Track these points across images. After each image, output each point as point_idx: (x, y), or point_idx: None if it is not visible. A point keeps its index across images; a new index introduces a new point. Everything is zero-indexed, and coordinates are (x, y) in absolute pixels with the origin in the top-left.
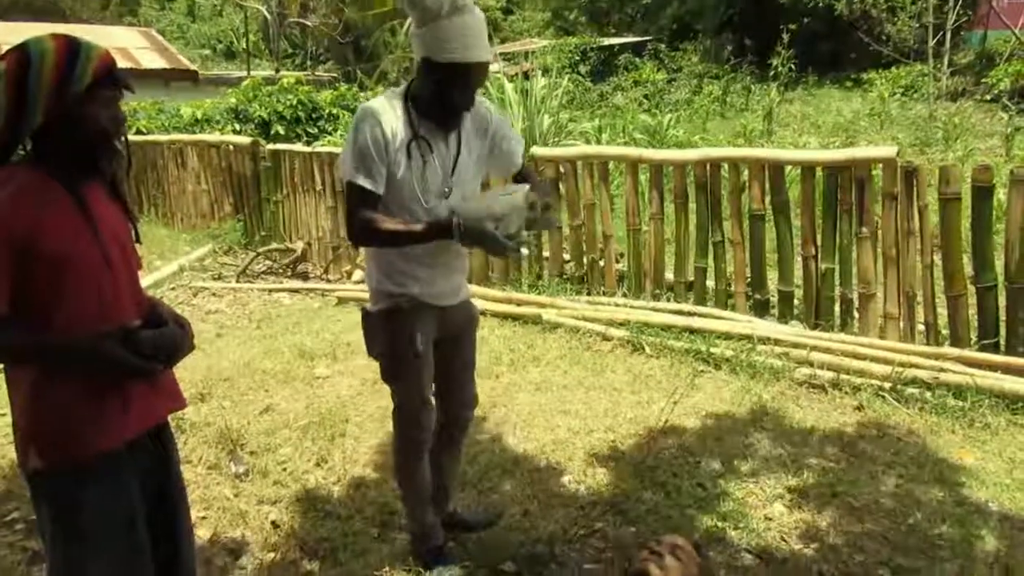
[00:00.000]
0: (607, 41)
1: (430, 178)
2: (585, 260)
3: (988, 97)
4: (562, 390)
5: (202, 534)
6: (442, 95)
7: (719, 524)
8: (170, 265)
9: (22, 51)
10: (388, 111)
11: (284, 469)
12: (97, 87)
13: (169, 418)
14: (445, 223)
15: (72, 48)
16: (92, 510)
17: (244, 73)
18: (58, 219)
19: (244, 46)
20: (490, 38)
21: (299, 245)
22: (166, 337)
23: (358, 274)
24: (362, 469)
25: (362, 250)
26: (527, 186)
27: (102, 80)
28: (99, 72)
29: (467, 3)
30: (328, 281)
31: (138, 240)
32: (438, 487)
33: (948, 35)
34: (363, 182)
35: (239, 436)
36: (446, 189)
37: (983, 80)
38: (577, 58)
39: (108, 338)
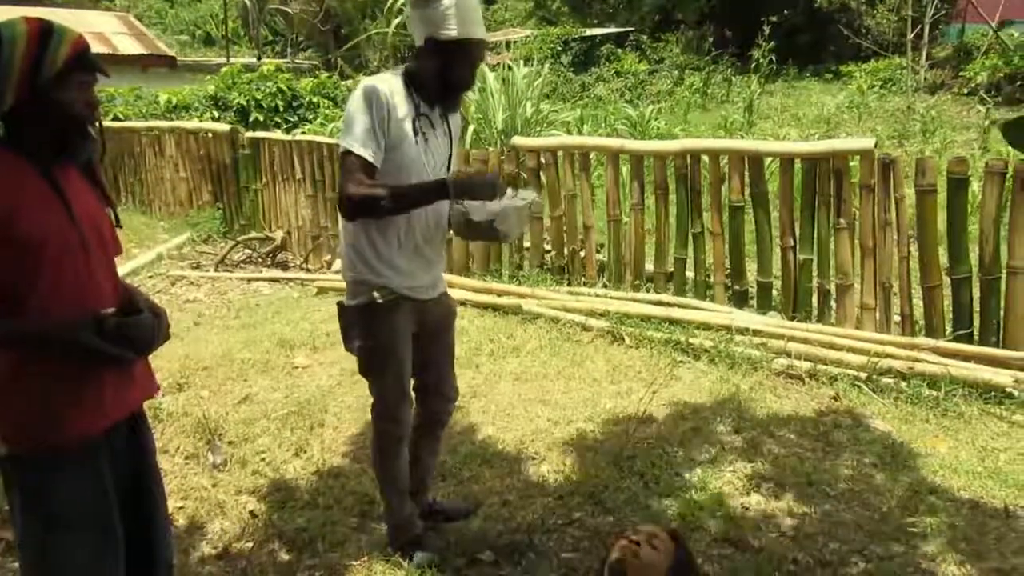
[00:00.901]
0: (589, 32)
1: (434, 155)
2: (566, 250)
3: (965, 90)
4: (542, 380)
5: (179, 524)
6: (444, 74)
7: (696, 513)
8: (148, 253)
9: None
10: (392, 87)
11: (262, 459)
12: (70, 71)
13: (145, 407)
14: (439, 181)
15: (44, 31)
16: (64, 497)
17: (223, 60)
18: (33, 202)
19: (223, 32)
20: None
21: (278, 234)
22: (141, 325)
23: (338, 263)
24: (341, 459)
25: (340, 240)
26: (534, 194)
27: (75, 64)
28: (72, 56)
29: None
30: (308, 271)
31: (118, 224)
32: (416, 479)
33: (926, 28)
34: (361, 151)
35: (217, 426)
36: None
37: (961, 73)
38: (559, 48)
39: (83, 325)
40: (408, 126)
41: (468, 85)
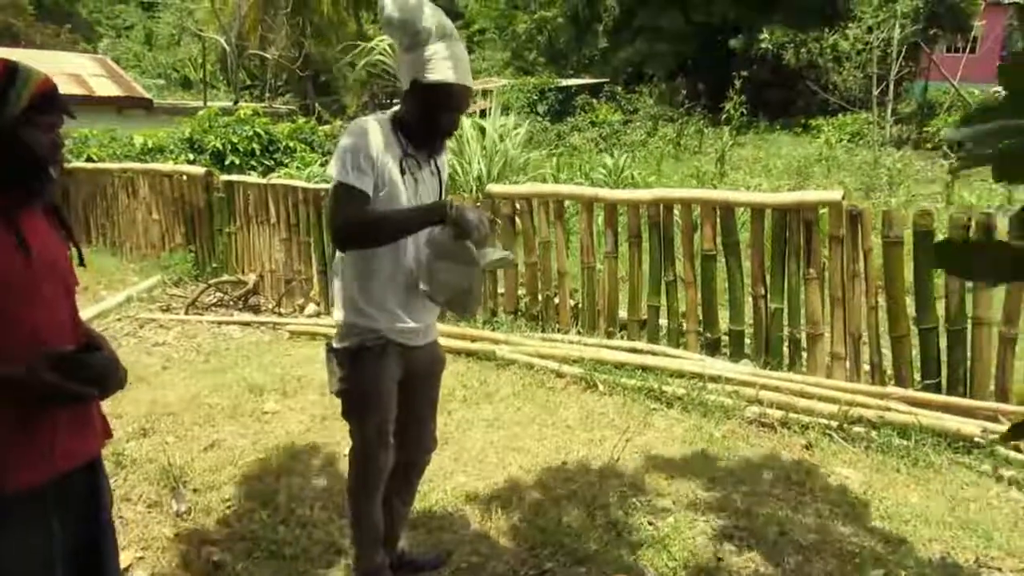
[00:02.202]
0: (565, 82)
1: (423, 195)
2: (540, 297)
3: (929, 145)
4: (515, 427)
5: None
6: (428, 117)
7: (669, 564)
8: (117, 296)
9: None
10: (380, 127)
11: (228, 507)
12: (34, 111)
13: (108, 453)
14: (437, 205)
15: (10, 71)
16: (7, 549)
17: (200, 103)
18: None
19: (201, 76)
20: None
21: (251, 277)
22: (99, 361)
23: (311, 308)
24: (308, 508)
25: (334, 286)
26: (504, 253)
27: (40, 104)
28: (37, 96)
29: (454, 31)
30: (280, 315)
31: (82, 263)
32: (388, 528)
33: (891, 85)
34: (353, 181)
35: (182, 473)
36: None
37: (925, 129)
38: (535, 98)
39: (40, 364)
40: (396, 167)
41: (451, 129)
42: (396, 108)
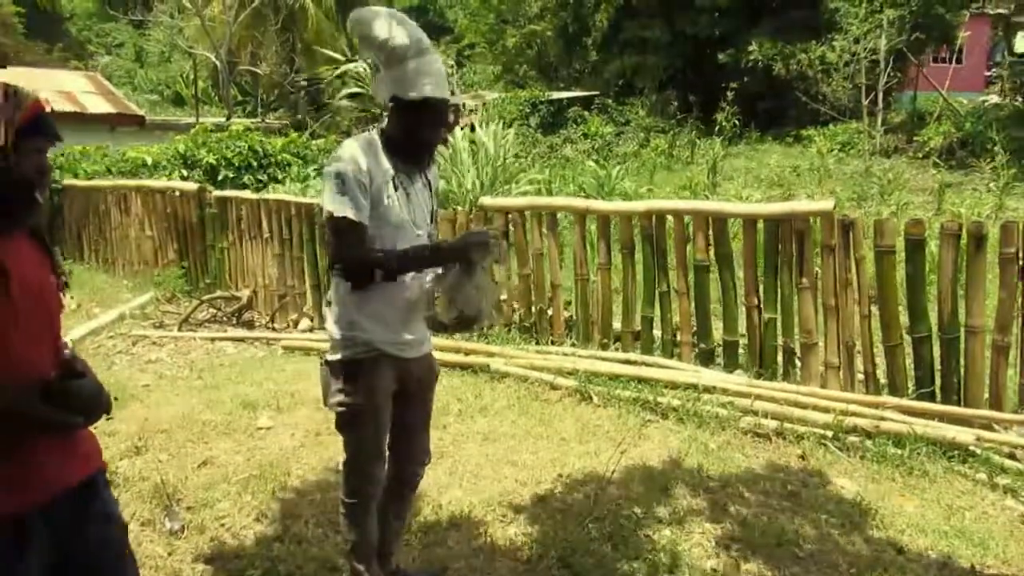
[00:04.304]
0: (556, 95)
1: (417, 209)
2: (533, 309)
3: (920, 154)
4: (510, 440)
5: None
6: (411, 133)
7: None
8: (110, 313)
9: None
10: (367, 148)
11: (221, 525)
12: (23, 136)
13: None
14: (433, 247)
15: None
16: None
17: (193, 119)
18: None
19: (193, 92)
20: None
21: (245, 293)
22: (84, 389)
23: (304, 323)
24: (303, 524)
25: (330, 295)
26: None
27: (28, 129)
28: (26, 121)
29: (429, 46)
30: (274, 330)
31: (64, 288)
32: (382, 543)
33: (881, 95)
34: (350, 214)
35: (175, 491)
36: (437, 234)
37: (915, 138)
38: (527, 111)
39: (26, 391)
40: (389, 183)
41: (432, 144)
42: (383, 124)
